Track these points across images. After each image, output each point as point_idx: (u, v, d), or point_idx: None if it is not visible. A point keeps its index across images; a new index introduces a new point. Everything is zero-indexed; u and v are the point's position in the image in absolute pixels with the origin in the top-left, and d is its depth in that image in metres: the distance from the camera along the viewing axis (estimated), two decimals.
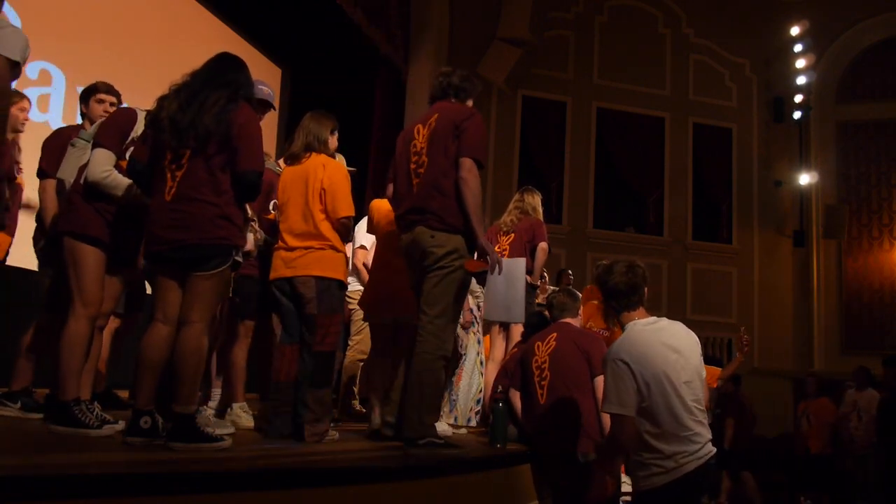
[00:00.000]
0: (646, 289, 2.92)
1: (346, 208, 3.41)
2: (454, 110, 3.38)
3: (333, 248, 3.40)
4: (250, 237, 3.45)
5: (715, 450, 2.86)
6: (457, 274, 3.25)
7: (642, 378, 2.74)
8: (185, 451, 2.58)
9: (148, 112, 2.89)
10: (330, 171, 3.44)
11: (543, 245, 4.96)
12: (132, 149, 3.00)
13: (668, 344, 2.82)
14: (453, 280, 3.24)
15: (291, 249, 3.40)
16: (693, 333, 2.95)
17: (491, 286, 3.42)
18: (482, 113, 3.88)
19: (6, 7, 6.15)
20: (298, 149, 3.51)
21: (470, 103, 3.54)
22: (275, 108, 3.86)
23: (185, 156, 2.71)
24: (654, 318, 2.92)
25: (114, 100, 3.68)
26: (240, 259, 2.86)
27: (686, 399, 2.77)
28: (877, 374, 7.53)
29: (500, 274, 3.30)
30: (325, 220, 3.39)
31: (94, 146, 3.02)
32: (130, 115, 3.11)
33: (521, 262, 3.56)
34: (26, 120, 4.05)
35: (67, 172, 3.16)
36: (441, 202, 3.24)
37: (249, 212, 3.33)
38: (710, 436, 2.86)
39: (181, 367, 2.67)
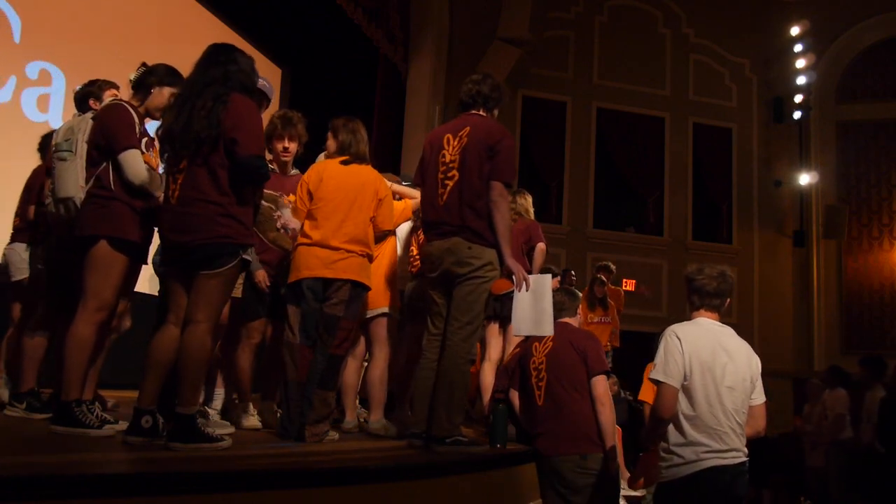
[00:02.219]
0: (729, 299, 3.12)
1: (392, 223, 3.70)
2: (487, 130, 3.45)
3: (370, 256, 3.54)
4: (288, 213, 3.50)
5: (747, 460, 2.93)
6: (489, 285, 3.39)
7: (689, 359, 2.93)
8: (184, 451, 2.58)
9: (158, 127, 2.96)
10: (385, 184, 3.67)
11: (542, 246, 4.96)
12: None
13: (722, 345, 2.98)
14: (485, 290, 3.38)
15: (335, 249, 3.41)
16: (756, 357, 3.08)
17: (518, 302, 3.50)
18: None
19: (5, 6, 6.15)
20: (356, 155, 3.58)
21: (496, 112, 3.65)
22: (269, 100, 3.82)
23: (183, 159, 2.75)
24: (723, 325, 3.08)
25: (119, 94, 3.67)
26: (248, 258, 2.83)
27: (725, 401, 2.90)
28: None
29: (527, 291, 3.43)
30: (371, 228, 3.53)
31: (124, 149, 2.96)
32: (126, 109, 3.09)
33: (548, 278, 3.60)
34: None
35: (73, 188, 3.03)
36: (478, 222, 3.36)
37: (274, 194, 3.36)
38: (743, 448, 2.94)
39: (184, 367, 2.66)
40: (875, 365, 7.15)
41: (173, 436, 2.63)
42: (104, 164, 3.00)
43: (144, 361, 2.75)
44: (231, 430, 3.28)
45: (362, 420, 4.18)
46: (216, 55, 2.87)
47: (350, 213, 3.46)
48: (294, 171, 3.99)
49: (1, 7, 5.78)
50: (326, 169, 3.55)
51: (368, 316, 3.94)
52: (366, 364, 4.80)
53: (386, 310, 3.95)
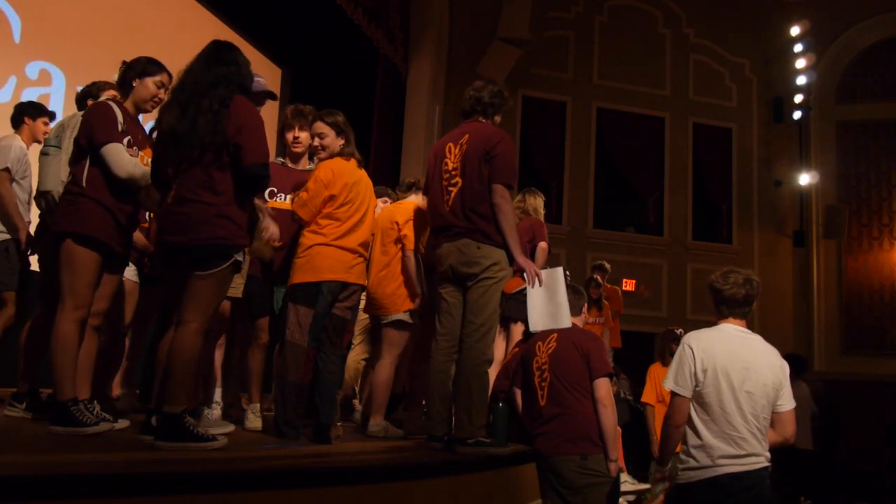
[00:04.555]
0: (754, 304, 3.08)
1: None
2: (485, 134, 3.49)
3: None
4: (269, 221, 3.13)
5: (768, 465, 2.90)
6: (500, 284, 3.42)
7: (702, 364, 2.93)
8: (171, 450, 2.57)
9: (153, 125, 2.93)
10: None
11: (543, 245, 4.98)
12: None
13: (743, 350, 2.97)
14: (496, 291, 3.41)
15: (352, 252, 3.47)
16: (782, 363, 3.04)
17: (533, 298, 3.53)
18: None
19: (5, 6, 6.14)
20: (358, 158, 3.64)
21: (498, 118, 3.67)
22: (276, 97, 3.80)
23: (185, 161, 2.73)
24: (749, 332, 3.06)
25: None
26: (240, 258, 2.83)
27: (743, 405, 2.89)
28: (878, 373, 7.60)
29: (540, 286, 3.48)
30: None
31: (104, 143, 2.94)
32: (108, 106, 3.07)
33: (560, 271, 3.61)
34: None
35: (51, 182, 3.03)
36: (482, 224, 3.40)
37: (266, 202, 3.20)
38: (764, 453, 2.91)
39: (171, 366, 2.66)
40: (797, 362, 7.35)
41: (161, 435, 2.62)
42: (83, 161, 2.98)
43: (154, 364, 2.77)
44: (230, 429, 3.27)
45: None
46: (219, 52, 2.84)
47: (364, 217, 3.54)
48: (309, 166, 3.92)
49: (1, 7, 5.78)
50: (348, 170, 3.55)
51: (386, 321, 3.96)
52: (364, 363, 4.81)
53: (403, 317, 3.96)
